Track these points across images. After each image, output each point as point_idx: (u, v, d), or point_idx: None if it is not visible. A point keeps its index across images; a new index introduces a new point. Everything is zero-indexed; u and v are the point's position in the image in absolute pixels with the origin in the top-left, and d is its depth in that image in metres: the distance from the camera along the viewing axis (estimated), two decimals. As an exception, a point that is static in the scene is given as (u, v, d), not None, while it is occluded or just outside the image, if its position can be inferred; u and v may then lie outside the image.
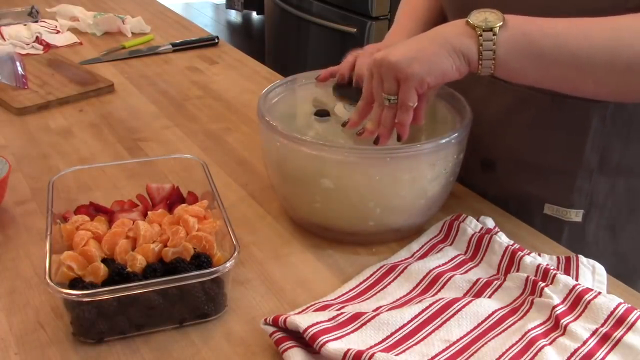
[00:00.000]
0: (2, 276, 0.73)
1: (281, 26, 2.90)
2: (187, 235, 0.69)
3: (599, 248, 0.86)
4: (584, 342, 0.62)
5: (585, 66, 0.66)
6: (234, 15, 4.98)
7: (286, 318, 0.62)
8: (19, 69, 1.24)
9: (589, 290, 0.67)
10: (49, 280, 0.61)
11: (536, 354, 0.60)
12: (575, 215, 0.84)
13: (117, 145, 1.03)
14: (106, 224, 0.73)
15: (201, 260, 0.66)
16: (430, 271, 0.72)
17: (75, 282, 0.64)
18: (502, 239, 0.76)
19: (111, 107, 1.16)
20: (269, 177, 0.85)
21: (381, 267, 0.74)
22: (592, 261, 0.74)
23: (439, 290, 0.70)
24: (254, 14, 4.84)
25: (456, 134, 0.75)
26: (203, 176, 0.79)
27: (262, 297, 0.71)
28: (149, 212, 0.74)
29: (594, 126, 0.79)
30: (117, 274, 0.64)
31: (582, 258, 0.74)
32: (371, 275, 0.73)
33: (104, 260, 0.67)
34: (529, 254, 0.73)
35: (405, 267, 0.73)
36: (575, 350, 0.61)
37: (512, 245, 0.75)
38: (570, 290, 0.67)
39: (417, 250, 0.78)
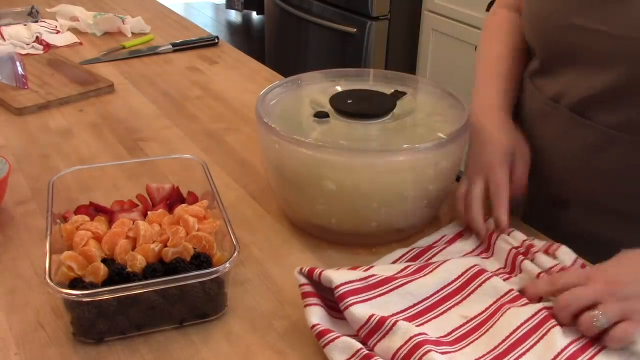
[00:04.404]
0: (2, 276, 0.73)
1: (281, 26, 2.90)
2: (187, 235, 0.69)
3: None
4: None
5: None
6: (234, 15, 4.98)
7: (321, 272, 0.65)
8: (19, 69, 1.23)
9: None
10: (48, 281, 0.61)
11: (547, 332, 0.62)
12: None
13: (117, 145, 1.03)
14: (106, 224, 0.73)
15: (201, 260, 0.66)
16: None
17: (75, 282, 0.64)
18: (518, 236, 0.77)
19: (111, 107, 1.16)
20: (267, 179, 0.85)
21: (410, 251, 0.76)
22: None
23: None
24: (254, 14, 4.85)
25: (457, 133, 0.75)
26: (203, 176, 0.79)
27: (262, 297, 0.71)
28: (148, 212, 0.74)
29: None
30: (117, 274, 0.64)
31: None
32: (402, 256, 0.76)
33: (103, 260, 0.66)
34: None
35: (436, 253, 0.76)
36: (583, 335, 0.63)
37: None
38: None
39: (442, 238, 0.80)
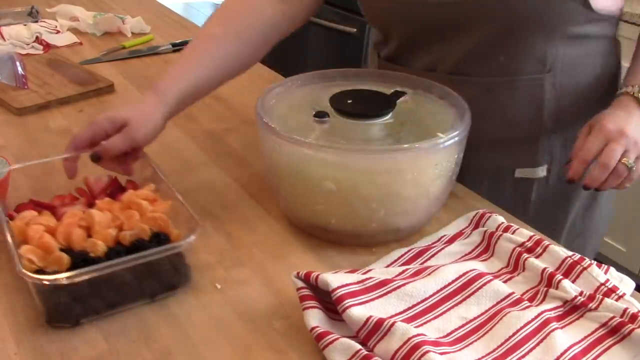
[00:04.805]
0: (1, 276, 0.73)
1: (281, 26, 2.90)
2: (142, 218, 0.71)
3: (563, 193, 0.97)
4: (594, 330, 0.64)
5: None
6: (234, 15, 4.97)
7: (318, 275, 0.65)
8: (19, 69, 1.23)
9: (614, 290, 0.68)
10: (22, 269, 0.62)
11: (547, 335, 0.62)
12: (542, 171, 0.96)
13: (117, 145, 1.02)
14: (54, 218, 0.74)
15: (161, 238, 0.69)
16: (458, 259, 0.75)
17: (39, 274, 0.65)
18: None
19: (111, 107, 1.16)
20: (267, 179, 0.85)
21: (410, 251, 0.76)
22: (621, 275, 0.73)
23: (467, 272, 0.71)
24: (254, 14, 4.83)
25: (457, 133, 0.75)
26: (143, 163, 0.81)
27: (262, 297, 0.71)
28: (97, 201, 0.76)
29: (548, 95, 0.90)
30: (82, 260, 0.66)
31: (612, 270, 0.73)
32: (400, 257, 0.76)
33: (62, 251, 0.67)
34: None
35: (435, 253, 0.76)
36: (585, 337, 0.63)
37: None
38: (596, 289, 0.69)
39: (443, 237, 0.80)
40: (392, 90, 0.87)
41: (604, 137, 0.80)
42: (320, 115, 0.81)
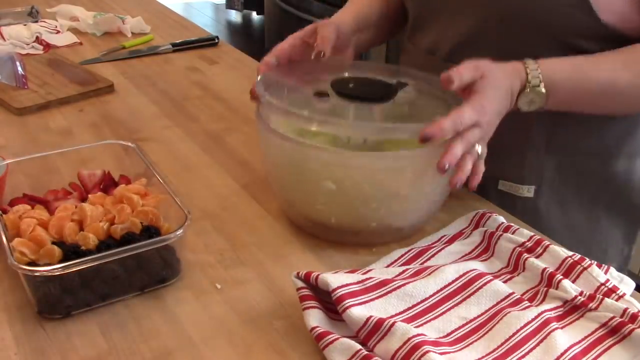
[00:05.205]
0: (1, 276, 0.73)
1: (281, 26, 2.90)
2: (133, 212, 0.72)
3: (551, 222, 0.92)
4: (594, 330, 0.64)
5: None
6: (234, 15, 4.98)
7: (318, 275, 0.65)
8: (19, 69, 1.24)
9: (614, 290, 0.68)
10: (14, 262, 0.63)
11: (547, 335, 0.62)
12: (527, 191, 0.91)
13: (117, 145, 1.03)
14: (47, 212, 0.74)
15: (151, 232, 0.70)
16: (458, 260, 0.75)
17: (31, 266, 0.65)
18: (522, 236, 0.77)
19: (111, 107, 1.16)
20: (268, 179, 0.85)
21: (410, 251, 0.76)
22: (621, 275, 0.73)
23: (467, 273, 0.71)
24: (254, 14, 4.85)
25: (456, 134, 0.75)
26: (136, 159, 0.82)
27: (262, 297, 0.71)
28: (89, 195, 0.76)
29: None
30: (74, 252, 0.66)
31: (612, 270, 0.73)
32: (400, 257, 0.76)
33: (54, 244, 0.68)
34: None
35: (435, 253, 0.76)
36: (585, 337, 0.63)
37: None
38: (596, 289, 0.69)
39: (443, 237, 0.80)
40: (395, 81, 0.87)
41: (478, 118, 0.73)
42: (320, 94, 0.81)
